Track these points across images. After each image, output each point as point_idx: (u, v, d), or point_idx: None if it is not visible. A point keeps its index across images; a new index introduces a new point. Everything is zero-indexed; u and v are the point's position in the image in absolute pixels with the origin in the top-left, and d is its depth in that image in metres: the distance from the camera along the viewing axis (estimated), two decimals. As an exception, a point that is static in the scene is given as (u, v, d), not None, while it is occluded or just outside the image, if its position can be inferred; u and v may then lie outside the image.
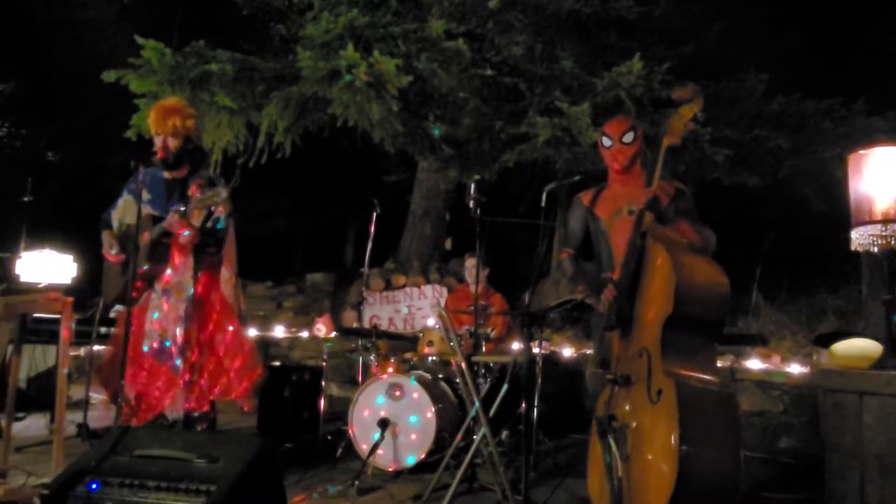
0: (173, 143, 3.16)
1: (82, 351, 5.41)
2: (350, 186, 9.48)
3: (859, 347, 2.46)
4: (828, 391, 2.29)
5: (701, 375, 2.06)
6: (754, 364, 4.61)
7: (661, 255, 2.17)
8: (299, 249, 11.77)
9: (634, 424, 2.08)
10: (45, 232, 5.88)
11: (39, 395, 4.62)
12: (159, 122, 3.17)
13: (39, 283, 3.85)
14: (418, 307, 6.57)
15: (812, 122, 5.43)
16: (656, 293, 2.14)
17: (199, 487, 1.80)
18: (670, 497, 1.85)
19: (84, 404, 4.12)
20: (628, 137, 2.69)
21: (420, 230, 7.41)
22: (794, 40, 6.36)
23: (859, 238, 2.45)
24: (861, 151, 2.48)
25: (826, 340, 3.54)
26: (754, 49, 6.12)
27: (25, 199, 4.52)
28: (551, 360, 5.13)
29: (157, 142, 3.18)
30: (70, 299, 2.73)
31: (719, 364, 4.44)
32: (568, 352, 5.43)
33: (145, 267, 3.03)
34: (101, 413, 4.55)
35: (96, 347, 4.52)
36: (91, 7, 9.19)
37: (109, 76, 5.13)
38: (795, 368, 4.44)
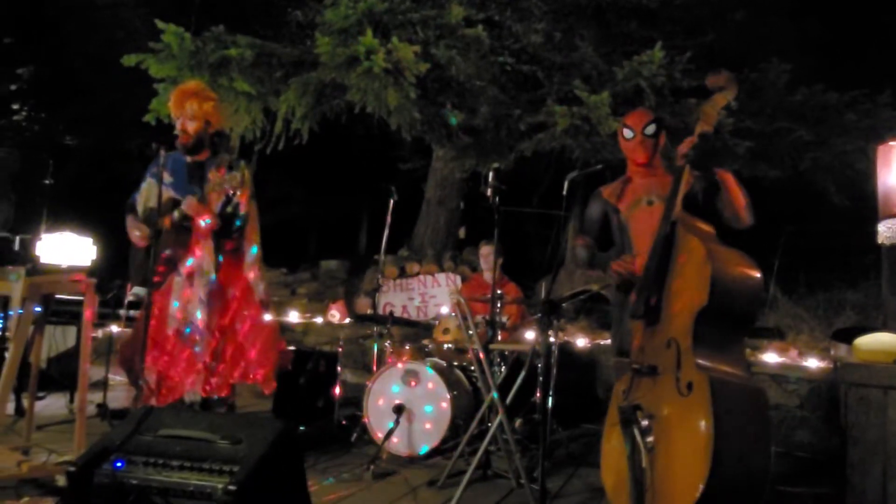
0: (192, 126, 3.16)
1: (100, 333, 5.47)
2: (365, 174, 9.49)
3: (883, 342, 2.43)
4: (852, 385, 2.26)
5: (732, 370, 2.03)
6: (770, 358, 4.57)
7: (695, 245, 2.14)
8: (313, 236, 11.82)
9: (661, 416, 2.06)
10: (63, 214, 5.93)
11: (59, 375, 4.68)
12: (178, 106, 3.19)
13: (60, 265, 3.89)
14: (431, 295, 6.59)
15: (835, 114, 5.34)
16: (688, 283, 2.12)
17: (223, 468, 1.82)
18: (702, 491, 1.84)
19: (104, 385, 4.17)
20: (650, 129, 2.67)
21: (434, 218, 7.41)
22: (817, 30, 6.25)
23: (886, 231, 2.42)
24: (891, 143, 2.44)
25: (844, 335, 3.51)
26: (776, 38, 6.02)
27: (46, 181, 4.56)
28: (564, 350, 5.12)
29: (177, 125, 3.20)
30: (93, 280, 2.76)
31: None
32: (581, 342, 5.42)
33: (168, 251, 3.05)
34: (120, 394, 4.61)
35: (116, 330, 4.58)
36: (109, -9, 9.22)
37: (130, 60, 5.15)
38: (812, 363, 4.41)
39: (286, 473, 1.96)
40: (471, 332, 3.24)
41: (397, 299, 6.65)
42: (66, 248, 4.75)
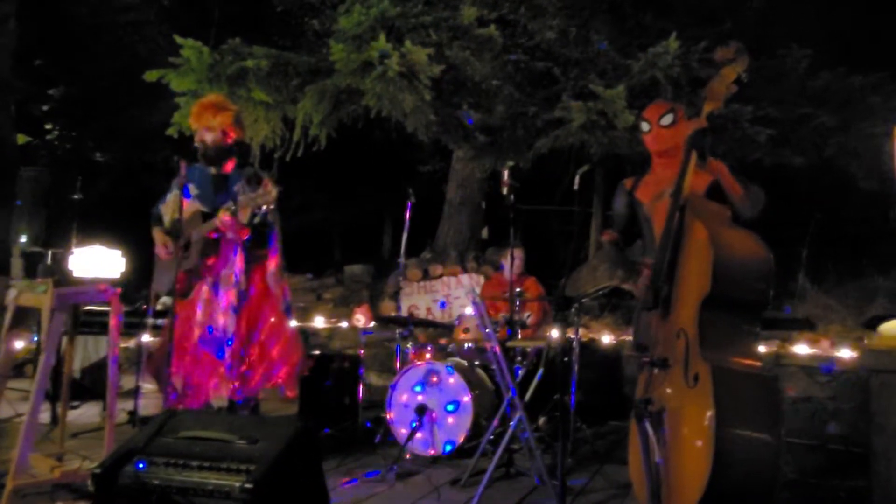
0: (210, 138, 3.23)
1: (132, 342, 5.60)
2: (386, 178, 9.56)
3: (908, 327, 2.37)
4: (874, 371, 2.21)
5: (740, 359, 2.00)
6: (801, 349, 4.48)
7: (698, 229, 2.10)
8: (337, 242, 11.95)
9: (672, 408, 2.04)
10: (93, 229, 6.11)
11: (92, 384, 4.81)
12: (196, 119, 3.27)
13: (91, 278, 4.02)
14: (455, 296, 6.60)
15: (859, 98, 5.22)
16: (693, 270, 2.08)
17: (240, 467, 1.87)
18: (707, 482, 1.82)
19: (134, 393, 4.28)
20: (666, 120, 2.64)
21: (456, 219, 7.42)
22: (839, 12, 6.10)
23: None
24: (907, 124, 2.37)
25: (877, 324, 3.42)
26: (796, 24, 5.90)
27: (76, 197, 4.73)
28: (590, 347, 5.09)
29: (196, 138, 3.28)
30: (118, 290, 2.84)
31: (765, 349, 4.34)
32: (607, 339, 5.37)
33: (196, 261, 3.12)
34: (150, 401, 4.71)
35: (145, 339, 4.69)
36: (133, 10, 9.49)
37: (151, 76, 5.28)
38: (845, 353, 4.31)
39: (303, 471, 2.00)
40: (487, 329, 3.25)
41: (421, 301, 6.68)
42: (97, 261, 4.91)
